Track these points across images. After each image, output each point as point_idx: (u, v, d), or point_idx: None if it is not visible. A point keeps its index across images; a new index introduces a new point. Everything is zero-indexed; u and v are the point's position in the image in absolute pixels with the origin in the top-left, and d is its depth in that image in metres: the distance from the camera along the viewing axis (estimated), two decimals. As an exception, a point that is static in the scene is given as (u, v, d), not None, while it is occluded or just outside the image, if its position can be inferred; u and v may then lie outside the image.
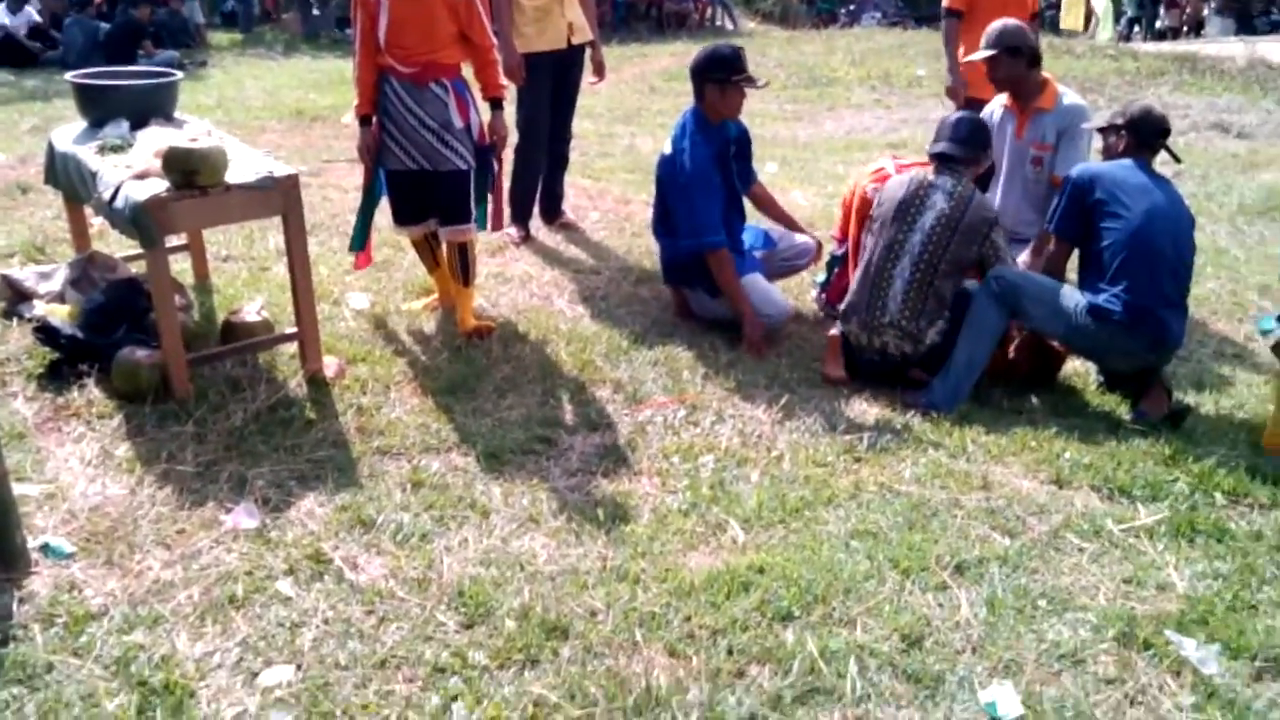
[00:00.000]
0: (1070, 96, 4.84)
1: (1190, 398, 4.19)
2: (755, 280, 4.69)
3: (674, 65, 13.96)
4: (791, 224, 5.16)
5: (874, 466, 3.58)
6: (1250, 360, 4.62)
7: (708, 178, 4.60)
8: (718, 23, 20.33)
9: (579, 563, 3.00)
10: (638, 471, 3.56)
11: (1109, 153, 4.20)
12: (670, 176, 4.69)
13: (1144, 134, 4.10)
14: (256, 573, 2.89)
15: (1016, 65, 4.75)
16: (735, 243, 4.77)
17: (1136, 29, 24.07)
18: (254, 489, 3.30)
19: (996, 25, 4.82)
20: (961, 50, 5.60)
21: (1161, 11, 24.37)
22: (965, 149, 4.29)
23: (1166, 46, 16.66)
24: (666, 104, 11.15)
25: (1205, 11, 23.33)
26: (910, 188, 4.28)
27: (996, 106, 4.98)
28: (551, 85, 5.68)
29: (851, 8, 27.75)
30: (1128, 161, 4.08)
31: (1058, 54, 13.93)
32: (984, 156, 4.38)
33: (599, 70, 5.91)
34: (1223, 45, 16.53)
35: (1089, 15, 21.03)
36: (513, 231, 5.79)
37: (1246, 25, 22.68)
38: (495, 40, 4.47)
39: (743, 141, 4.92)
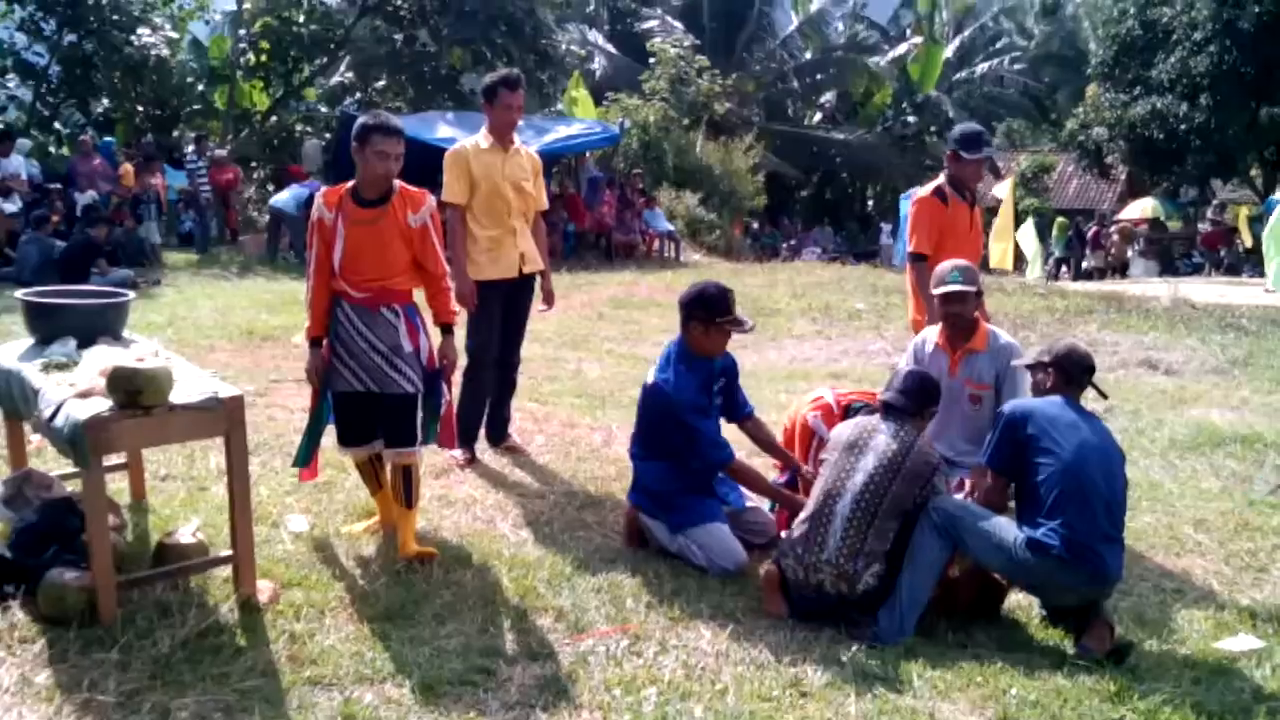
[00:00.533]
0: (1002, 336, 5.03)
1: (1132, 633, 4.19)
2: (716, 529, 4.68)
3: (621, 294, 14.35)
4: (786, 459, 5.10)
5: (820, 702, 3.51)
6: (1189, 595, 4.65)
7: (699, 403, 4.67)
8: (665, 254, 21.02)
9: (515, 804, 2.87)
10: (578, 705, 3.45)
11: (1037, 389, 4.36)
12: (656, 407, 4.70)
13: (1069, 371, 4.25)
14: (173, 814, 2.73)
15: (977, 304, 5.00)
16: (706, 479, 4.81)
17: (1064, 269, 25.27)
18: (176, 721, 3.16)
19: (965, 264, 5.02)
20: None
21: (1088, 252, 25.68)
22: (911, 402, 4.41)
23: (1093, 286, 17.48)
24: (614, 330, 11.41)
25: (1129, 253, 24.59)
26: (856, 430, 4.37)
27: (929, 337, 5.13)
28: (501, 312, 5.80)
29: (792, 243, 29.01)
30: (1057, 399, 4.21)
31: (989, 291, 14.40)
32: (929, 412, 4.50)
33: (548, 298, 6.07)
34: (1147, 285, 17.34)
35: (1018, 254, 22.03)
36: (458, 454, 5.79)
37: (1169, 267, 23.91)
38: (448, 268, 4.59)
39: (730, 373, 4.96)
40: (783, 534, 4.68)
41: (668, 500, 4.71)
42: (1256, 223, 20.78)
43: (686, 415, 4.62)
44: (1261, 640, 4.10)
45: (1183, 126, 24.63)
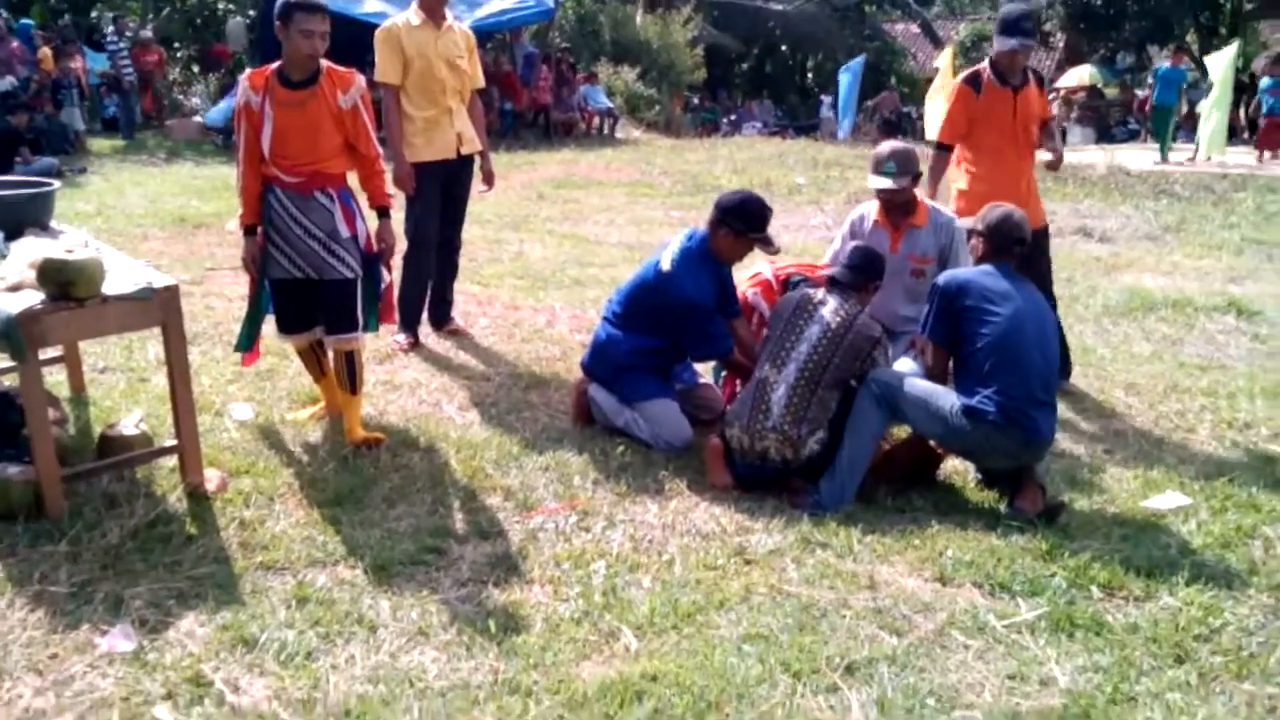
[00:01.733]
0: (943, 212, 5.09)
1: (1064, 494, 4.33)
2: (667, 404, 4.73)
3: (561, 173, 14.21)
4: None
5: (764, 569, 3.61)
6: (1119, 455, 4.80)
7: (712, 304, 4.64)
8: (604, 131, 20.76)
9: (470, 676, 2.95)
10: (529, 580, 3.53)
11: (973, 254, 4.39)
12: (665, 296, 4.62)
13: (998, 242, 4.27)
14: (133, 698, 2.78)
15: (913, 189, 4.98)
16: (665, 366, 4.84)
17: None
18: (131, 609, 3.18)
19: (904, 149, 4.97)
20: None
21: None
22: (856, 276, 4.47)
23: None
24: (555, 210, 11.31)
25: (1066, 121, 24.65)
26: (800, 301, 4.41)
27: (868, 213, 5.13)
28: (440, 194, 5.73)
29: (733, 118, 28.72)
30: (989, 267, 4.26)
31: (925, 162, 14.52)
32: (873, 286, 4.54)
33: (488, 179, 5.99)
34: (1083, 153, 17.43)
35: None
36: (401, 338, 5.77)
37: (1105, 134, 24.03)
38: (381, 150, 4.51)
39: (730, 282, 4.88)
40: (728, 407, 4.75)
41: (624, 373, 4.73)
42: (1192, 89, 20.88)
43: (703, 315, 4.59)
44: (1188, 497, 4.26)
45: (1120, -8, 24.56)
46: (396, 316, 4.96)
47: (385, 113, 5.49)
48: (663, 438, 4.66)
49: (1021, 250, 4.32)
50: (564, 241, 9.54)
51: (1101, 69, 29.11)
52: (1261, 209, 11.23)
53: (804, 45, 36.51)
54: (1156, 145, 17.45)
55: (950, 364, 4.29)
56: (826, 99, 29.54)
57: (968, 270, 4.34)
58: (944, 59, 21.48)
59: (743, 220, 4.61)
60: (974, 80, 5.44)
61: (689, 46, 26.01)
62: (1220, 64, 15.00)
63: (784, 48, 36.56)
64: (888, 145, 5.07)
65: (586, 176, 13.97)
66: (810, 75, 38.48)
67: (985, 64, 5.47)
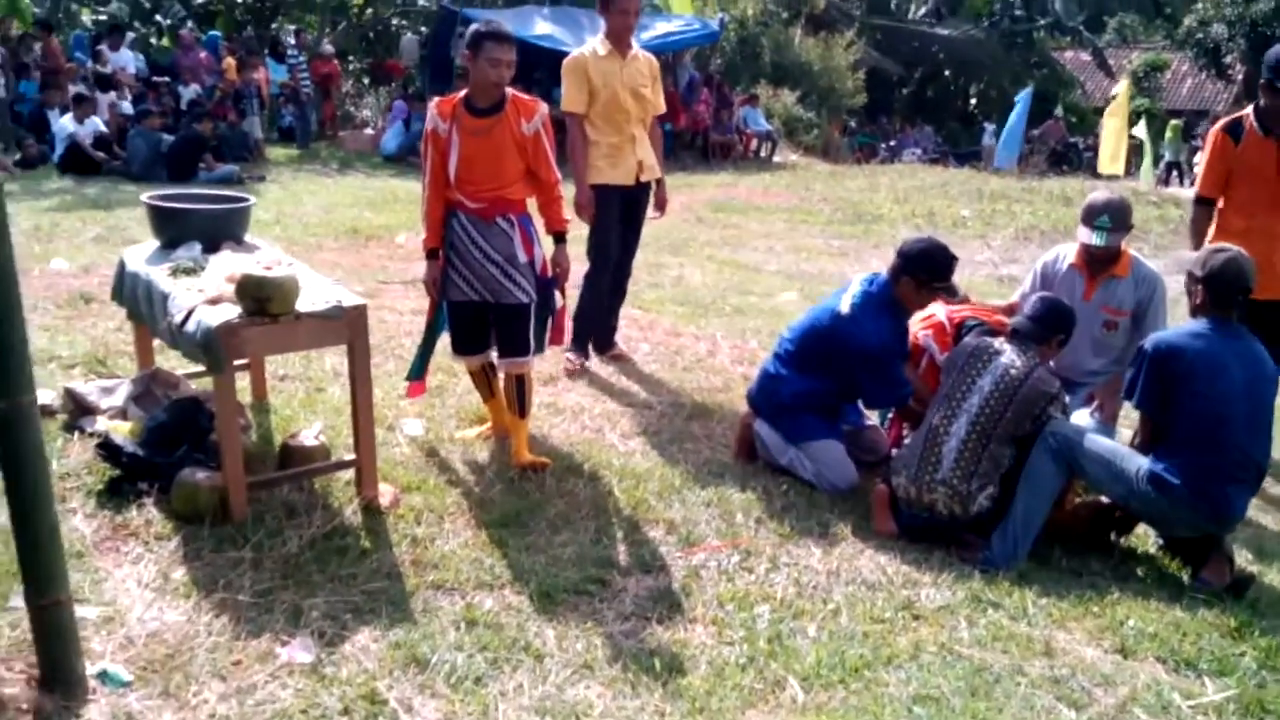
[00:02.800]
0: (1145, 265, 4.83)
1: (1253, 566, 4.12)
2: (833, 446, 4.66)
3: (720, 196, 14.22)
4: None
5: (933, 626, 3.52)
6: (1311, 526, 4.55)
7: (891, 351, 4.58)
8: (762, 154, 20.71)
9: (636, 716, 2.94)
10: (692, 619, 3.51)
11: (1190, 301, 4.11)
12: (844, 342, 4.52)
13: (1218, 290, 3.94)
14: (311, 711, 2.86)
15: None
16: (835, 409, 4.79)
17: (1174, 174, 24.35)
18: (309, 620, 3.28)
19: (1119, 201, 4.73)
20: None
21: (1199, 156, 24.66)
22: (1040, 329, 4.31)
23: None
24: (714, 234, 11.32)
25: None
26: (974, 350, 4.29)
27: (1065, 254, 4.93)
28: (619, 217, 5.80)
29: (892, 143, 28.33)
30: (1203, 325, 3.95)
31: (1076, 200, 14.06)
32: (1057, 341, 4.37)
33: (660, 205, 6.05)
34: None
35: (1129, 158, 21.29)
36: (572, 357, 5.85)
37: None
38: (559, 176, 4.57)
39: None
40: (894, 451, 4.66)
41: (790, 411, 4.68)
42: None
43: (883, 362, 4.52)
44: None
45: (1311, 25, 23.43)
46: (566, 338, 5.03)
47: (570, 141, 5.61)
48: (827, 479, 4.60)
49: (1243, 300, 3.96)
50: (723, 268, 9.54)
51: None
52: None
53: (968, 71, 35.83)
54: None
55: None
56: (989, 126, 28.92)
57: (1178, 333, 4.03)
58: (1119, 89, 20.85)
59: (928, 270, 4.50)
60: (1234, 128, 5.04)
61: (850, 70, 25.79)
62: None
63: (947, 73, 35.95)
64: (1103, 196, 4.82)
65: (745, 200, 13.95)
66: (973, 101, 37.72)
67: (1250, 110, 5.05)
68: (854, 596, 3.70)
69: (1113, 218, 4.66)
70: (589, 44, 5.76)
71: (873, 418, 5.03)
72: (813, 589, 3.75)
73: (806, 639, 3.39)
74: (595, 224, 5.77)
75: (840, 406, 4.81)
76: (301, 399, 5.17)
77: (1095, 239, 4.67)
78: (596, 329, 6.04)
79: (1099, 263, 4.77)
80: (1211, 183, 5.10)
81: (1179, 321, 4.37)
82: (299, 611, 3.33)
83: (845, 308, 4.58)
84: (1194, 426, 3.84)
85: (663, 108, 5.95)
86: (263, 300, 3.70)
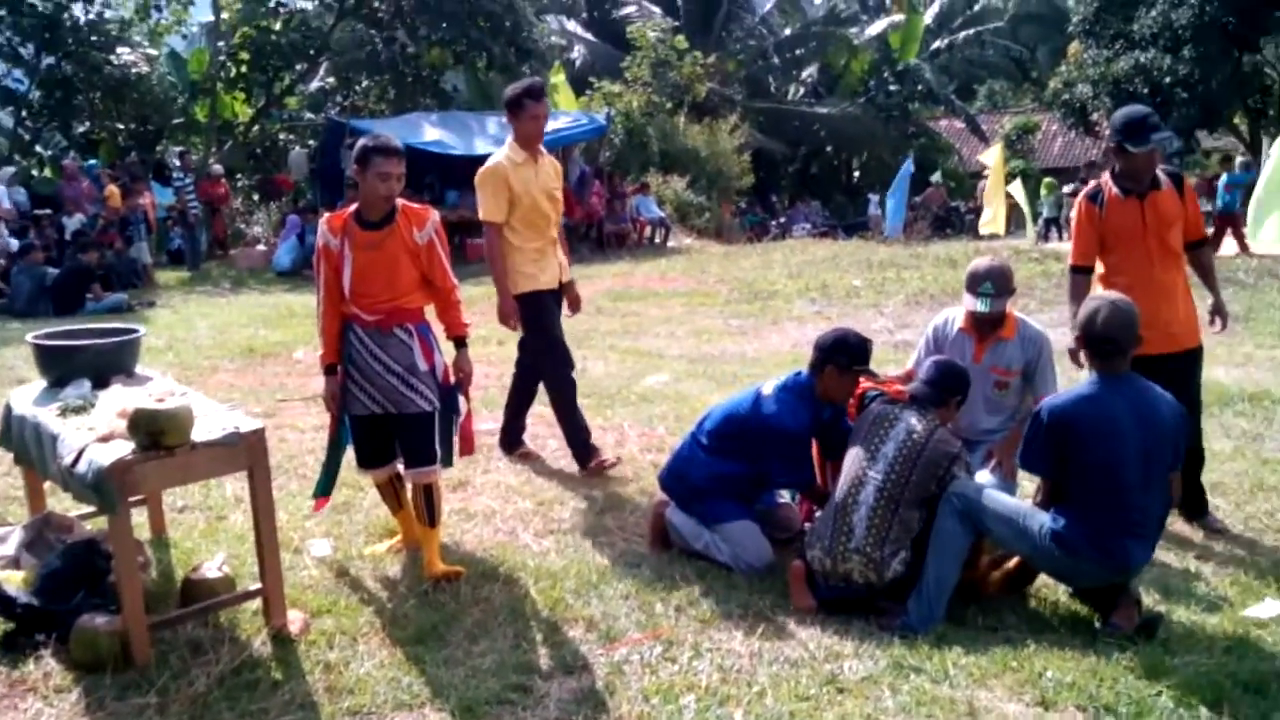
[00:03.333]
0: (1031, 325, 4.98)
1: (1159, 605, 4.21)
2: (745, 527, 4.69)
3: (618, 285, 14.34)
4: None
5: (858, 698, 3.52)
6: (1211, 561, 4.66)
7: (804, 435, 4.65)
8: (656, 240, 21.00)
9: (566, 825, 2.88)
10: (618, 717, 3.46)
11: (1073, 357, 4.16)
12: (766, 427, 4.61)
13: (1090, 342, 4.04)
14: None
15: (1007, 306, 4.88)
16: (751, 492, 4.83)
17: (1052, 230, 25.23)
18: (221, 762, 3.17)
19: (1000, 268, 4.88)
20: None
21: (1076, 215, 25.58)
22: (936, 393, 4.42)
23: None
24: (614, 324, 11.39)
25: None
26: (875, 418, 4.37)
27: (953, 318, 5.06)
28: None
29: (782, 220, 28.98)
30: (1092, 385, 4.02)
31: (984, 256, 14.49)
32: (955, 403, 4.48)
33: (574, 304, 6.09)
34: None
35: (1009, 218, 22.03)
36: (603, 459, 5.89)
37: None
38: (456, 282, 4.58)
39: (840, 426, 4.81)
40: (807, 526, 4.69)
41: (704, 495, 4.71)
42: (1244, 170, 20.74)
43: (794, 443, 4.62)
44: (1285, 606, 4.11)
45: (1166, 79, 24.68)
46: (473, 447, 4.96)
47: (489, 250, 5.64)
48: (744, 560, 4.61)
49: (1120, 349, 3.98)
50: (626, 356, 9.59)
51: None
52: (1330, 294, 11.05)
53: (849, 145, 36.99)
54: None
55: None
56: (874, 197, 29.76)
57: (1070, 397, 4.04)
58: (993, 155, 21.67)
59: (847, 355, 4.61)
60: (1095, 195, 5.11)
61: (736, 153, 26.42)
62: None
63: (829, 149, 37.01)
64: (984, 263, 4.95)
65: (643, 287, 14.09)
66: (856, 174, 38.83)
67: (1106, 175, 5.12)
68: (778, 676, 3.69)
69: (995, 284, 4.81)
70: (500, 152, 5.73)
71: (784, 496, 5.06)
72: (737, 673, 3.73)
73: (734, 726, 3.37)
74: (541, 330, 5.77)
75: (753, 492, 4.85)
76: (202, 529, 5.04)
77: (980, 305, 4.82)
78: (583, 429, 5.97)
79: (986, 325, 4.90)
80: (1081, 251, 5.18)
81: (1068, 374, 4.49)
82: (211, 752, 3.22)
83: (768, 390, 4.70)
84: (1090, 486, 3.91)
85: (569, 209, 6.00)
86: (156, 434, 3.62)
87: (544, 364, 5.91)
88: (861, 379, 4.72)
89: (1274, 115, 26.87)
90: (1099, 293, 4.17)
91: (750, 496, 4.83)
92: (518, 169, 5.64)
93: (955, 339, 4.99)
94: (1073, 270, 5.24)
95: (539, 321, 5.76)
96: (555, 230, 5.83)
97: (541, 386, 6.10)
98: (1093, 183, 5.27)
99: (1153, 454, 3.93)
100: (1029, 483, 5.25)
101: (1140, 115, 4.91)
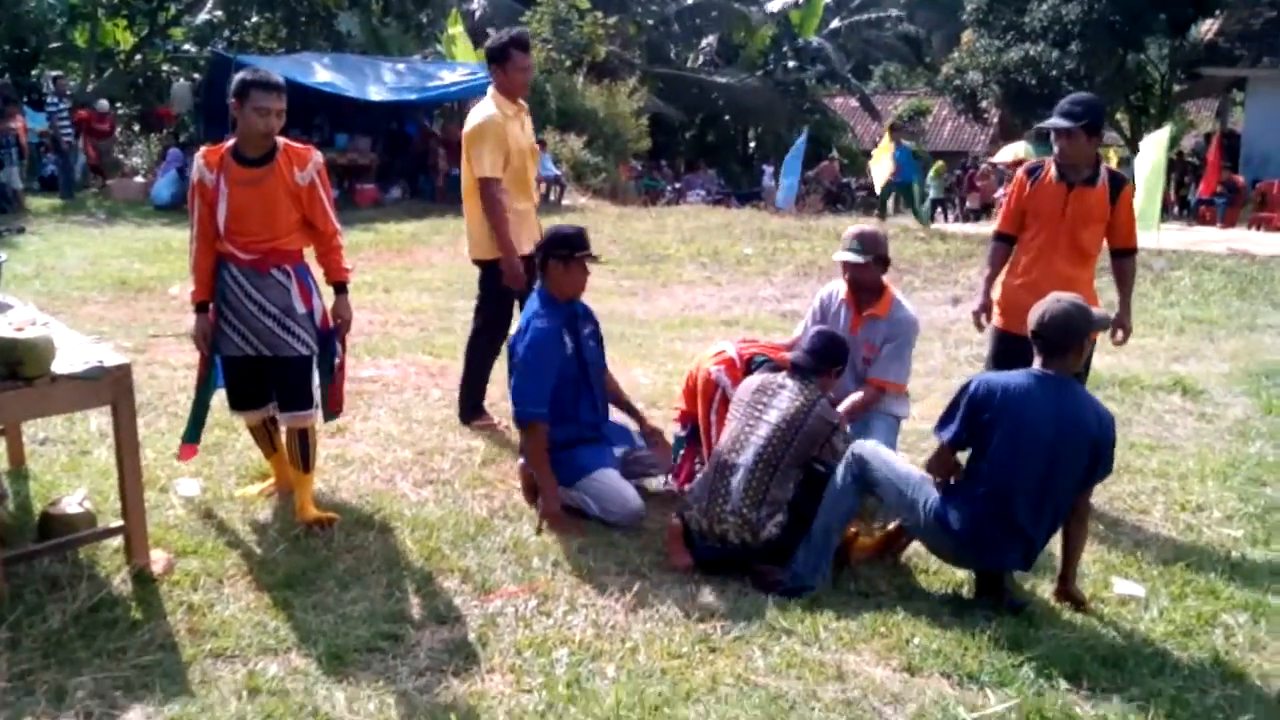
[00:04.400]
0: (905, 308, 5.03)
1: (1026, 579, 4.31)
2: (607, 475, 4.68)
3: (509, 240, 14.17)
4: (631, 411, 5.17)
5: (729, 657, 3.54)
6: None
7: (544, 350, 4.61)
8: (550, 198, 20.82)
9: (432, 775, 2.84)
10: (490, 669, 3.43)
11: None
12: (521, 346, 4.68)
13: (1041, 340, 3.93)
14: (75, 801, 2.64)
15: (879, 272, 4.94)
16: (589, 426, 4.78)
17: (938, 210, 25.77)
18: (74, 701, 3.06)
19: (872, 231, 4.97)
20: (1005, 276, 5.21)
21: (965, 195, 26.25)
22: (818, 362, 4.44)
23: (973, 228, 17.81)
24: (503, 279, 11.26)
25: (997, 193, 25.18)
26: (759, 386, 4.40)
27: (837, 291, 5.13)
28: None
29: (677, 185, 28.99)
30: (1028, 375, 3.94)
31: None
32: (835, 372, 4.52)
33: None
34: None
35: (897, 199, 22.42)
36: (481, 422, 5.76)
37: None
38: (338, 226, 4.44)
39: (594, 321, 4.97)
40: (687, 488, 4.71)
41: (554, 453, 4.67)
42: (1124, 166, 21.48)
43: (527, 359, 4.61)
44: (1142, 586, 4.25)
45: (1054, 72, 25.25)
46: (341, 407, 4.79)
47: (491, 208, 5.33)
48: (612, 511, 4.62)
49: (1062, 348, 3.92)
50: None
51: (1035, 145, 29.83)
52: (1199, 287, 11.47)
53: (746, 116, 37.09)
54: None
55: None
56: (768, 168, 29.96)
57: (1005, 377, 3.98)
58: (884, 140, 22.02)
59: (563, 245, 4.71)
60: (1034, 170, 5.12)
61: (634, 116, 26.29)
62: (1155, 145, 15.43)
63: (727, 118, 37.10)
64: (858, 227, 5.09)
65: (535, 244, 13.96)
66: (752, 145, 39.05)
67: (1054, 156, 5.05)
68: (652, 634, 3.69)
69: (861, 242, 4.89)
70: (485, 105, 5.43)
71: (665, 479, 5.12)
72: (611, 629, 3.72)
73: (606, 680, 3.36)
74: (504, 302, 5.58)
75: (595, 430, 4.85)
76: (64, 463, 4.85)
77: (845, 257, 4.90)
78: (482, 390, 5.84)
79: (864, 294, 4.98)
80: (1005, 219, 5.24)
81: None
82: (63, 692, 3.10)
83: (513, 328, 4.81)
84: (988, 473, 3.89)
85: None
86: (14, 364, 3.45)
87: (486, 330, 5.71)
88: (591, 262, 4.78)
89: (1154, 114, 27.72)
90: (1060, 293, 4.12)
91: (594, 437, 4.82)
92: (509, 122, 5.42)
93: (836, 310, 5.08)
94: (995, 236, 5.32)
95: (507, 293, 5.53)
96: (534, 190, 5.61)
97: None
98: (1038, 159, 5.35)
99: (1062, 461, 3.85)
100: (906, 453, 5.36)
101: (1070, 101, 5.00)
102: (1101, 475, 4.02)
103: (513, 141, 5.40)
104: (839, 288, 5.14)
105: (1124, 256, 5.15)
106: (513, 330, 4.77)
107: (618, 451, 4.92)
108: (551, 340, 4.65)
